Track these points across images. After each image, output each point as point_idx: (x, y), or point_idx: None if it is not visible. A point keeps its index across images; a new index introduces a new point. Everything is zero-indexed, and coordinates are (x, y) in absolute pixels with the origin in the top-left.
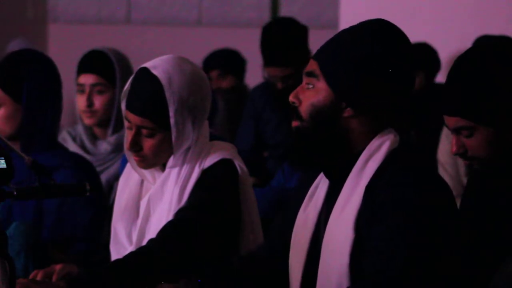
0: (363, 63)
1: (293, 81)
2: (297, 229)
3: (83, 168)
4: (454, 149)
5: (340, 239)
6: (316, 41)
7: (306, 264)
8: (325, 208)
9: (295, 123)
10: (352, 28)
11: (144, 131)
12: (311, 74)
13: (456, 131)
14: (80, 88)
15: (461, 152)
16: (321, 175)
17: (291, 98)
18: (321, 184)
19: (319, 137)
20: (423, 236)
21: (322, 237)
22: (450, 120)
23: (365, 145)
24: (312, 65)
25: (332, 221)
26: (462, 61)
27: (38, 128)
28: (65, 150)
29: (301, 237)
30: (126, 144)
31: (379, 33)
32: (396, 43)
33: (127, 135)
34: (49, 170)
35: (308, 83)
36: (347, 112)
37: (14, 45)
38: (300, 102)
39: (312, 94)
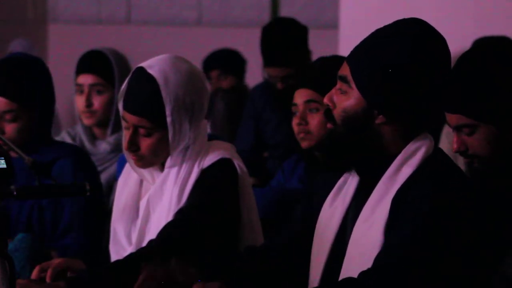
0: (396, 72)
1: (293, 81)
2: (322, 223)
3: (81, 157)
4: (455, 146)
5: (368, 242)
6: (316, 41)
7: (328, 258)
8: (354, 205)
9: (329, 126)
10: (387, 30)
11: (142, 131)
12: (343, 79)
13: (457, 128)
14: (79, 89)
15: (462, 150)
16: (352, 173)
17: (325, 101)
18: (350, 180)
19: (351, 142)
20: (433, 241)
21: (349, 235)
22: (451, 118)
23: (400, 149)
24: (345, 69)
25: (360, 222)
26: (465, 59)
27: (43, 130)
28: (61, 142)
29: (326, 231)
30: (124, 144)
31: (416, 40)
32: (433, 49)
33: (125, 135)
34: (49, 167)
35: (340, 88)
36: (380, 119)
37: (15, 45)
38: (334, 105)
39: (344, 99)
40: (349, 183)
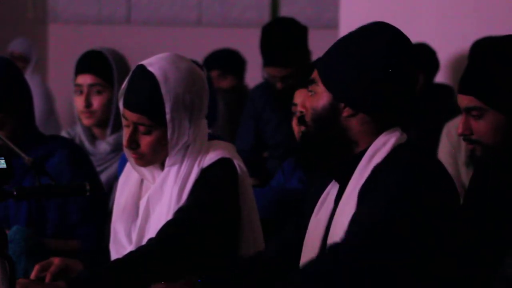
0: (359, 64)
1: (293, 81)
2: (309, 234)
3: (75, 149)
4: (460, 130)
5: (342, 233)
6: (316, 41)
7: None
8: (335, 212)
9: (301, 129)
10: (351, 33)
11: (141, 128)
12: (312, 81)
13: (467, 110)
14: (78, 89)
15: (467, 134)
16: (333, 182)
17: (300, 108)
18: (332, 190)
19: (321, 139)
20: (395, 221)
21: None
22: (463, 99)
23: (369, 145)
24: (313, 73)
25: (336, 220)
26: (487, 45)
27: (31, 128)
28: (52, 137)
29: (312, 241)
30: (124, 142)
31: (377, 35)
32: (396, 45)
33: (125, 133)
34: (44, 163)
35: (310, 91)
36: (346, 112)
37: (15, 45)
38: (307, 109)
39: (314, 99)
40: (331, 194)
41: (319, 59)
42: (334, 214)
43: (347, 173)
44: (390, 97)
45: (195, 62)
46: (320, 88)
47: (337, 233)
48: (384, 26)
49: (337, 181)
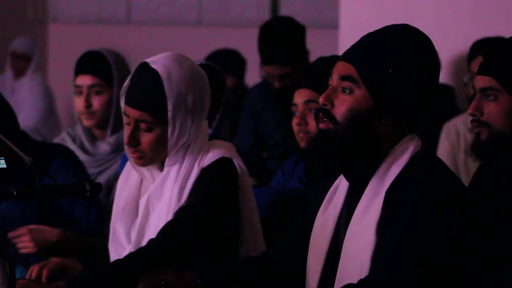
0: (405, 73)
1: (291, 81)
2: (316, 232)
3: (73, 158)
4: (471, 110)
5: (361, 243)
6: (316, 41)
7: (324, 266)
8: (345, 211)
9: (324, 125)
10: (383, 32)
11: (143, 125)
12: (348, 79)
13: (482, 91)
14: (78, 90)
15: (476, 115)
16: (340, 177)
17: (322, 100)
18: (341, 187)
19: (353, 141)
20: (428, 242)
21: (342, 239)
22: (482, 80)
23: (389, 149)
24: (348, 69)
25: (353, 225)
26: None
27: (22, 140)
28: (51, 145)
29: (320, 240)
30: (125, 140)
31: (413, 40)
32: (433, 51)
33: (126, 131)
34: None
35: (344, 88)
36: (386, 119)
37: (18, 43)
38: (332, 104)
39: (350, 99)
40: (339, 191)
41: (355, 57)
42: (342, 213)
43: (362, 176)
44: (423, 104)
45: (211, 65)
46: (361, 91)
47: (356, 235)
48: (415, 32)
49: (349, 180)
